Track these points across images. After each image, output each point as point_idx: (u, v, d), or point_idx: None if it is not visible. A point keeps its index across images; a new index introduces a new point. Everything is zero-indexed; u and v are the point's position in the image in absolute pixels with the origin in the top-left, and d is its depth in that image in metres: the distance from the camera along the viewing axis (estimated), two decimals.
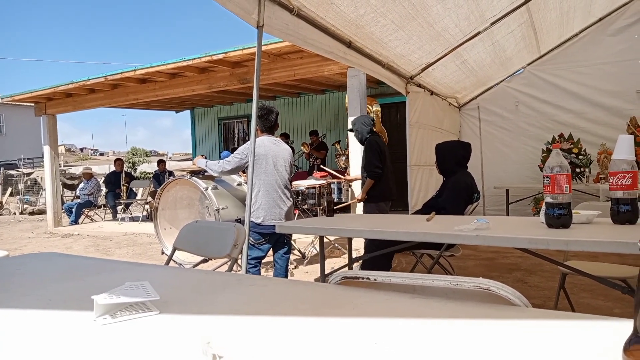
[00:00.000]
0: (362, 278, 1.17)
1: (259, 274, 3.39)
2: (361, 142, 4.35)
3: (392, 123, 8.38)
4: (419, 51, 4.27)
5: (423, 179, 5.27)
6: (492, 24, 4.19)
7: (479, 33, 4.26)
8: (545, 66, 6.26)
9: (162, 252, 4.31)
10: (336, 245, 5.21)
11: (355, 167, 5.42)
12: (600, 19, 5.77)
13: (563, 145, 5.76)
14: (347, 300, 1.05)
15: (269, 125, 3.40)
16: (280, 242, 3.40)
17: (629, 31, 5.67)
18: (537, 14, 4.53)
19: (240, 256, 3.43)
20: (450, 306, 0.96)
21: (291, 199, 3.45)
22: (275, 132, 3.49)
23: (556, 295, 2.81)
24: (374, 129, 4.36)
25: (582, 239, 1.73)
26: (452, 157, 3.41)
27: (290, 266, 4.62)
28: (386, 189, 4.28)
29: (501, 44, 4.99)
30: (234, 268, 2.22)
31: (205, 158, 3.50)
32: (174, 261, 3.79)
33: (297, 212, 5.16)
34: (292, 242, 5.13)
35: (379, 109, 6.60)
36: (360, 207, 5.33)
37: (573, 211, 2.04)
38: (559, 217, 1.94)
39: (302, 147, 8.48)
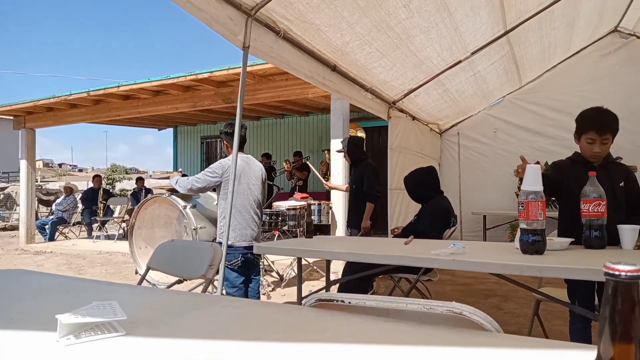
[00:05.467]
0: (337, 301, 1.17)
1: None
2: (353, 163, 4.33)
3: (374, 147, 8.47)
4: (402, 77, 4.36)
5: (403, 203, 5.30)
6: (473, 53, 4.31)
7: (460, 61, 4.38)
8: (524, 95, 6.45)
9: (136, 272, 4.21)
10: (315, 267, 5.18)
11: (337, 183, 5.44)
12: (578, 51, 6.00)
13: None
14: (320, 323, 1.04)
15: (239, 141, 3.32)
16: (251, 264, 3.34)
17: (604, 61, 5.91)
18: (518, 47, 4.69)
19: (216, 278, 3.36)
20: (423, 331, 0.95)
21: (261, 220, 3.36)
22: (245, 148, 3.38)
23: (530, 321, 2.83)
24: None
25: (556, 266, 1.75)
26: (422, 184, 3.46)
27: (268, 289, 4.56)
28: (375, 215, 4.26)
29: (483, 76, 5.14)
30: (210, 290, 2.18)
31: (185, 175, 3.44)
32: (148, 281, 3.71)
33: (276, 233, 5.13)
34: (271, 263, 5.09)
35: (364, 135, 6.69)
36: (340, 228, 5.33)
37: (547, 238, 2.08)
38: (533, 244, 1.97)
39: (284, 164, 8.48)
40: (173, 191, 3.81)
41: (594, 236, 2.13)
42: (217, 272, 3.02)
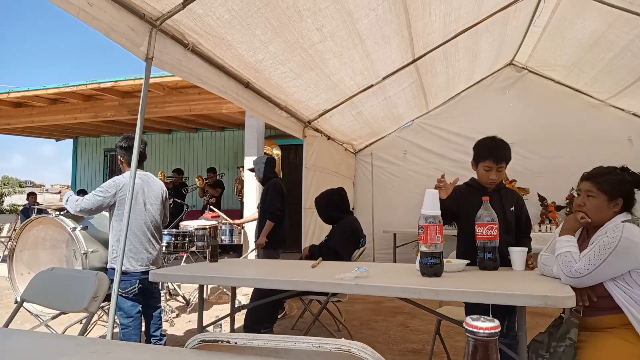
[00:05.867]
0: (222, 341, 1.07)
1: (140, 327, 3.02)
2: (262, 182, 4.26)
3: (291, 165, 8.46)
4: (317, 98, 4.40)
5: (317, 222, 5.30)
6: (384, 78, 4.48)
7: (372, 86, 4.53)
8: (431, 120, 6.83)
9: (16, 301, 3.72)
10: (224, 290, 4.97)
11: (250, 206, 5.31)
12: (479, 81, 6.51)
13: None
14: None
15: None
16: (150, 290, 3.08)
17: (502, 91, 6.47)
18: (425, 75, 4.96)
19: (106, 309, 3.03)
20: None
21: (160, 243, 3.13)
22: (144, 165, 3.14)
23: (432, 339, 2.91)
24: (276, 170, 4.32)
25: (451, 289, 1.80)
26: (331, 206, 3.48)
27: (172, 315, 4.27)
28: (285, 234, 4.19)
29: (394, 100, 5.36)
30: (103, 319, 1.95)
31: (83, 192, 3.13)
32: (30, 312, 3.28)
33: (185, 254, 4.85)
34: (176, 287, 4.79)
35: (280, 152, 6.63)
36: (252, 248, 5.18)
37: (445, 260, 2.14)
38: (432, 266, 2.02)
39: (196, 181, 8.14)
40: (61, 209, 3.44)
41: (487, 258, 2.24)
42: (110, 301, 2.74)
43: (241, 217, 5.60)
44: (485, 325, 0.52)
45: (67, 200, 2.93)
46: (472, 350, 0.52)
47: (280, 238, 4.12)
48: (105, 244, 3.29)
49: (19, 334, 1.45)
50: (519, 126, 6.09)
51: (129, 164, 2.98)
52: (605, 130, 5.91)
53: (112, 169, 10.76)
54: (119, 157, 3.10)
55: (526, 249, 2.25)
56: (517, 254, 2.24)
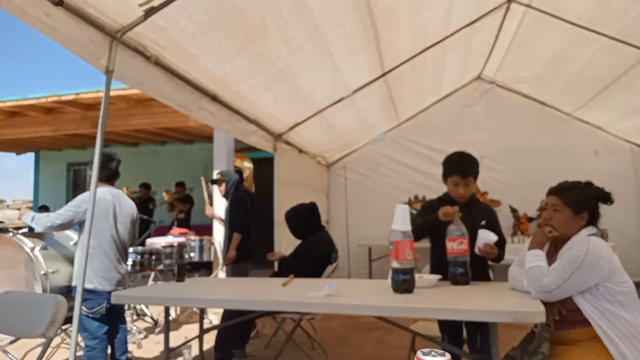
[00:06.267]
0: None
1: (106, 349, 2.89)
2: (224, 196, 4.21)
3: (264, 178, 8.35)
4: (287, 112, 4.36)
5: (290, 237, 5.21)
6: (355, 91, 4.48)
7: (342, 99, 4.52)
8: (402, 132, 6.87)
9: None
10: (194, 309, 4.81)
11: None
12: (448, 95, 6.61)
13: (417, 206, 6.27)
14: None
15: (108, 174, 2.96)
16: (116, 310, 2.95)
17: (470, 105, 6.56)
18: (394, 87, 4.99)
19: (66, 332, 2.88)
20: None
21: (126, 265, 3.07)
22: (116, 182, 3.08)
23: (408, 356, 2.87)
24: (244, 185, 4.28)
25: (423, 306, 1.78)
26: (300, 221, 3.46)
27: (139, 336, 4.10)
28: (252, 246, 4.16)
29: (364, 113, 5.37)
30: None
31: (44, 208, 3.00)
32: None
33: (152, 273, 4.68)
34: (144, 307, 4.61)
35: (251, 165, 6.54)
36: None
37: (417, 275, 2.12)
38: (403, 282, 1.99)
39: (164, 194, 7.92)
40: (19, 228, 3.27)
41: (459, 272, 2.23)
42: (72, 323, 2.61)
43: (212, 232, 5.48)
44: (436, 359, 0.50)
45: (32, 219, 2.82)
46: None
47: (248, 250, 4.09)
48: (68, 261, 3.15)
49: None
50: (488, 139, 6.19)
51: (101, 181, 2.88)
52: (572, 144, 6.07)
53: (76, 184, 10.39)
54: (89, 173, 3.01)
55: (495, 236, 2.25)
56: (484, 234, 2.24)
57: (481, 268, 2.41)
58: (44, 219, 2.79)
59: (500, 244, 2.38)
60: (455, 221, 2.22)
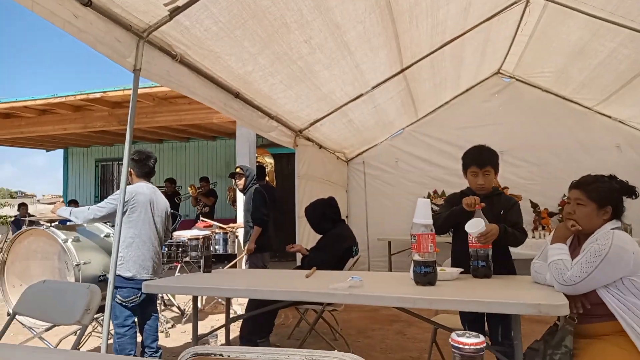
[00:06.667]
0: (215, 354, 1.06)
1: (135, 336, 3.02)
2: (242, 190, 4.32)
3: (283, 173, 8.45)
4: (308, 109, 4.41)
5: (311, 230, 5.29)
6: (374, 87, 4.50)
7: (361, 95, 4.55)
8: (421, 128, 6.87)
9: (8, 314, 3.66)
10: (219, 300, 4.93)
11: (241, 215, 5.29)
12: (467, 90, 6.56)
13: (436, 201, 6.26)
14: None
15: (146, 170, 3.20)
16: (148, 299, 3.10)
17: (490, 100, 6.51)
18: (413, 83, 4.99)
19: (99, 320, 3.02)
20: None
21: (161, 257, 3.26)
22: (153, 179, 3.28)
23: (429, 348, 2.91)
24: (267, 179, 4.38)
25: (445, 298, 1.81)
26: (319, 216, 3.50)
27: (167, 325, 4.23)
28: (270, 238, 4.27)
29: (383, 109, 5.38)
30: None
31: (74, 203, 3.15)
32: (23, 325, 3.23)
33: (178, 265, 4.81)
34: (172, 297, 4.75)
35: (272, 161, 6.62)
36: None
37: (439, 268, 2.15)
38: (425, 275, 2.02)
39: (189, 189, 8.10)
40: (52, 221, 3.41)
41: (480, 266, 2.25)
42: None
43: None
44: (471, 341, 0.53)
45: (70, 212, 3.00)
46: None
47: (265, 243, 4.21)
48: (99, 252, 3.30)
49: (10, 348, 1.43)
50: (508, 135, 6.14)
51: (137, 175, 3.17)
52: (594, 138, 5.97)
53: (104, 179, 10.68)
54: (129, 168, 3.18)
55: (481, 222, 2.19)
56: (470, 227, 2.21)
57: (505, 261, 2.42)
58: (85, 212, 2.97)
59: (517, 228, 2.36)
60: (477, 214, 2.24)
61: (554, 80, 5.79)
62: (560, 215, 5.96)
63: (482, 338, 0.53)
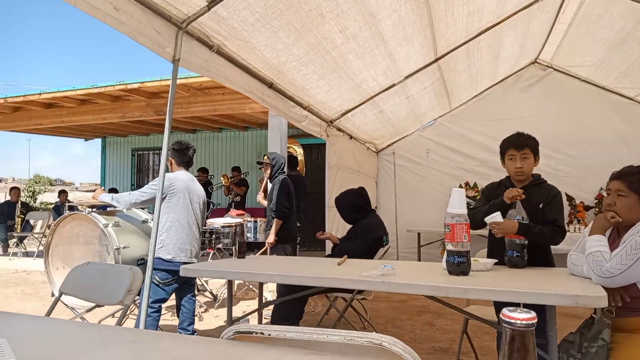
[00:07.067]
0: (256, 333, 1.11)
1: (159, 319, 3.14)
2: (269, 178, 4.33)
3: (313, 164, 8.50)
4: (339, 99, 4.42)
5: (341, 220, 5.33)
6: (407, 77, 4.46)
7: (394, 85, 4.52)
8: (454, 119, 6.77)
9: (53, 294, 3.87)
10: (250, 286, 5.04)
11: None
12: (502, 80, 6.41)
13: (468, 192, 6.17)
14: (238, 358, 0.98)
15: (185, 160, 3.33)
16: (187, 283, 3.21)
17: (526, 90, 6.35)
18: (447, 73, 4.92)
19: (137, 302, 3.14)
20: None
21: (200, 241, 3.36)
22: (190, 170, 3.39)
23: (459, 339, 2.90)
24: (298, 169, 4.37)
25: (479, 288, 1.80)
26: (350, 206, 3.50)
27: (200, 309, 4.37)
28: (292, 230, 4.25)
29: (416, 99, 5.33)
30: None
31: (114, 190, 3.29)
32: (66, 305, 3.41)
33: (211, 251, 4.94)
34: (204, 283, 4.89)
35: (302, 151, 6.67)
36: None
37: (472, 259, 2.14)
38: (459, 265, 2.02)
39: (221, 179, 8.26)
40: (93, 207, 3.57)
41: (515, 256, 2.23)
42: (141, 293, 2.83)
43: (265, 215, 5.67)
44: (523, 316, 0.54)
45: (112, 198, 3.15)
46: (509, 341, 0.53)
47: (287, 235, 4.19)
48: (138, 236, 3.43)
49: (60, 323, 1.53)
50: (544, 126, 5.95)
51: (177, 164, 3.31)
52: (636, 129, 5.75)
53: (140, 168, 11.01)
54: (169, 157, 3.33)
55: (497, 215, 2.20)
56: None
57: (543, 253, 2.38)
58: (127, 197, 3.12)
59: (555, 226, 2.29)
60: (515, 205, 2.22)
61: (594, 69, 5.59)
62: (597, 209, 5.78)
63: (533, 314, 0.54)
